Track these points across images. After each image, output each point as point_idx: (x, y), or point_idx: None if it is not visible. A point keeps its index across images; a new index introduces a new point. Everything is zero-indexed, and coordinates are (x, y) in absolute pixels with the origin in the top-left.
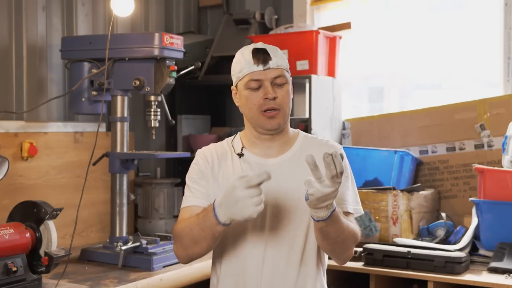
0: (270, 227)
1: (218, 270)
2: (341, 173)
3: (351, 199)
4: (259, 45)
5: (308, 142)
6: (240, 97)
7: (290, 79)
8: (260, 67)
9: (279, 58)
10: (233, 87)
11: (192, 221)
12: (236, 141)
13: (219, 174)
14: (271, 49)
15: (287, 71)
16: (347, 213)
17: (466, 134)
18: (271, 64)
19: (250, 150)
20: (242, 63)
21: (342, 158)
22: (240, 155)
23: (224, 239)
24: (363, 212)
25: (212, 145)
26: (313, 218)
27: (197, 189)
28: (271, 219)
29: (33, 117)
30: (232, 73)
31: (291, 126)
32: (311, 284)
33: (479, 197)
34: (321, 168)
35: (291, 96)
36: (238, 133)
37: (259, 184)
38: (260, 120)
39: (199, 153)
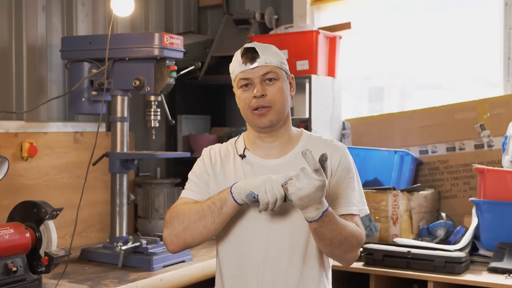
0: (271, 227)
1: (221, 271)
2: (316, 170)
3: (356, 201)
4: (251, 44)
5: (312, 142)
6: (236, 98)
7: (285, 76)
8: (249, 66)
9: (269, 55)
10: (233, 89)
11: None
12: (239, 142)
13: (220, 175)
14: (261, 47)
15: (280, 68)
16: (351, 215)
17: (466, 134)
18: (259, 62)
19: (252, 151)
20: (234, 64)
21: (326, 159)
22: (242, 156)
23: (226, 239)
24: (368, 212)
25: (217, 145)
26: (305, 219)
27: (196, 184)
28: (272, 219)
29: (33, 117)
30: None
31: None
32: (314, 286)
33: (479, 197)
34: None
35: (288, 93)
36: (242, 133)
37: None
38: (252, 119)
39: (205, 151)
